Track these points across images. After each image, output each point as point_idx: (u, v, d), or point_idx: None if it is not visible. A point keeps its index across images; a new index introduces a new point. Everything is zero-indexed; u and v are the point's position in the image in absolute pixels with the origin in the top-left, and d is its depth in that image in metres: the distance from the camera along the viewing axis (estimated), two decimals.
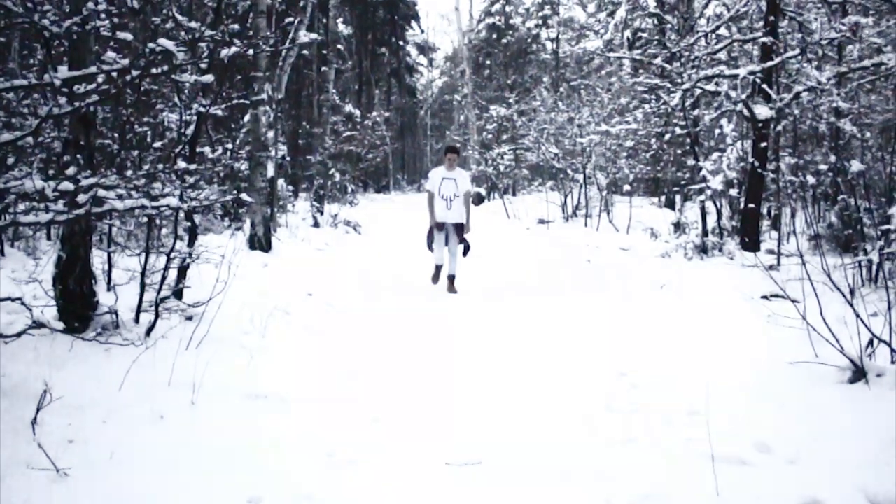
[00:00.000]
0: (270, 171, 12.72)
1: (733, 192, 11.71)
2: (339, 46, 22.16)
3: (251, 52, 9.76)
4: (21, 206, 4.18)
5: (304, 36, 14.38)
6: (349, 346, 5.87)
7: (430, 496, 3.22)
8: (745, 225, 10.72)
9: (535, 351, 5.78)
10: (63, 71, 4.22)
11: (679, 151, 16.37)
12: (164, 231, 7.52)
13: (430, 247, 9.00)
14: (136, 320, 5.27)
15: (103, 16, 5.00)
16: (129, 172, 4.91)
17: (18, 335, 4.00)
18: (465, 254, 8.89)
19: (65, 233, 4.96)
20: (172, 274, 5.74)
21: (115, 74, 4.47)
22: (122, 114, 6.51)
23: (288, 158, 18.99)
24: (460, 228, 8.83)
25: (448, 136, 39.00)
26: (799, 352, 4.65)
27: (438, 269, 8.91)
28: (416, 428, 4.06)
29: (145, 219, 6.10)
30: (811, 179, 10.60)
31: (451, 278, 8.68)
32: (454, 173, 8.85)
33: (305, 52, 21.54)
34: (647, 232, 14.01)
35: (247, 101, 11.12)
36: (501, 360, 5.51)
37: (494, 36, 37.03)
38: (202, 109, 6.22)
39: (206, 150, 11.81)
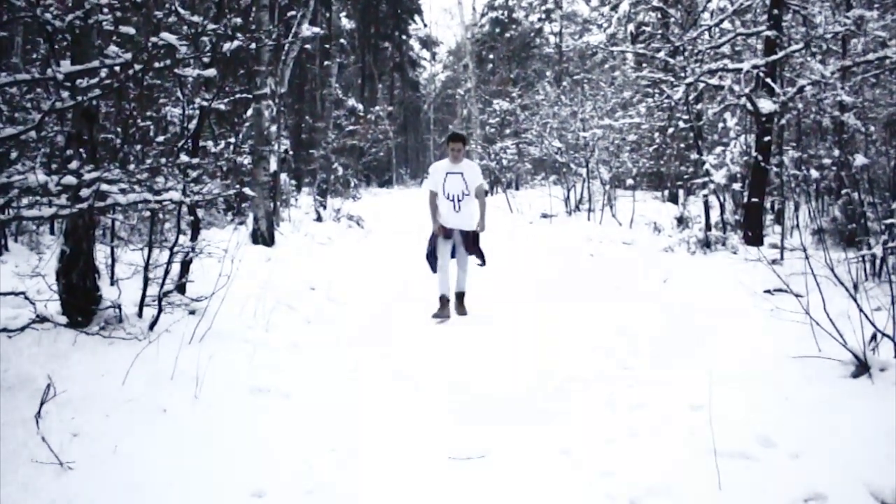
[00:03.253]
0: (273, 166, 12.72)
1: (736, 186, 11.68)
2: (341, 41, 22.08)
3: (254, 46, 9.79)
4: (24, 201, 4.20)
5: (307, 30, 14.39)
6: (352, 340, 5.89)
7: (433, 489, 3.23)
8: (749, 219, 10.69)
9: (537, 344, 5.79)
10: (66, 65, 4.22)
11: (682, 145, 16.31)
12: (167, 225, 7.53)
13: (431, 265, 7.21)
14: (140, 314, 5.28)
15: (106, 10, 4.99)
16: (131, 167, 4.91)
17: (22, 329, 4.02)
18: (483, 263, 7.28)
19: (68, 227, 4.97)
20: (175, 268, 5.75)
21: (117, 69, 4.47)
22: (124, 108, 6.50)
23: (291, 153, 18.98)
24: (471, 237, 7.10)
25: (450, 130, 38.90)
26: (802, 346, 4.65)
27: (445, 301, 7.03)
28: (419, 422, 4.07)
29: (148, 213, 6.10)
30: (815, 174, 10.57)
31: (461, 296, 7.15)
32: (461, 166, 7.02)
33: (308, 46, 21.55)
34: (650, 226, 13.96)
35: (249, 96, 11.15)
36: (504, 354, 5.52)
37: (497, 30, 36.99)
38: (205, 104, 6.22)
39: (209, 144, 11.82)
